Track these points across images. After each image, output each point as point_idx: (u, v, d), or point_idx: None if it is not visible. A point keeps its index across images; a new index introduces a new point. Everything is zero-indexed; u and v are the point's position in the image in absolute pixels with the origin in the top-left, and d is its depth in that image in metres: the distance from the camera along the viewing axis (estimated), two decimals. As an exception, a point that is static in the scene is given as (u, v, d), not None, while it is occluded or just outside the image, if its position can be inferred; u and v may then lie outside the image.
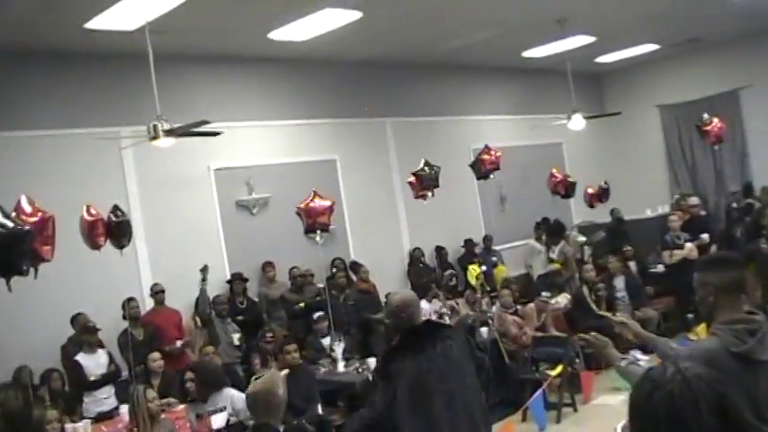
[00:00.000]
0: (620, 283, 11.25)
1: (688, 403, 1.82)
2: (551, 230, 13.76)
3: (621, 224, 14.28)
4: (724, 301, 3.39)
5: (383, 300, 11.43)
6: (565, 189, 13.38)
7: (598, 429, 7.68)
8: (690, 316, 9.38)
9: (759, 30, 14.97)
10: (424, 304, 10.40)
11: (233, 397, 6.72)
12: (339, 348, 8.90)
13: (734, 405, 1.86)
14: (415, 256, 12.99)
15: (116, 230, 7.95)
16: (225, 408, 6.64)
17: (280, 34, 10.28)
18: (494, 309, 10.46)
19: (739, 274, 3.45)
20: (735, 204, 13.44)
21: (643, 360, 5.00)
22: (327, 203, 9.56)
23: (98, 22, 8.60)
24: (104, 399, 8.32)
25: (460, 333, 4.84)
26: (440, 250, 13.45)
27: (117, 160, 9.88)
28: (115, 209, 8.06)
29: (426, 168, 11.10)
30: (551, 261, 13.08)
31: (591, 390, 9.05)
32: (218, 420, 6.60)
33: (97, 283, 9.30)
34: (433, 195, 11.19)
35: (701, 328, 6.94)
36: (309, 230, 9.62)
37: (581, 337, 4.13)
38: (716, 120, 13.80)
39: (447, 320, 10.07)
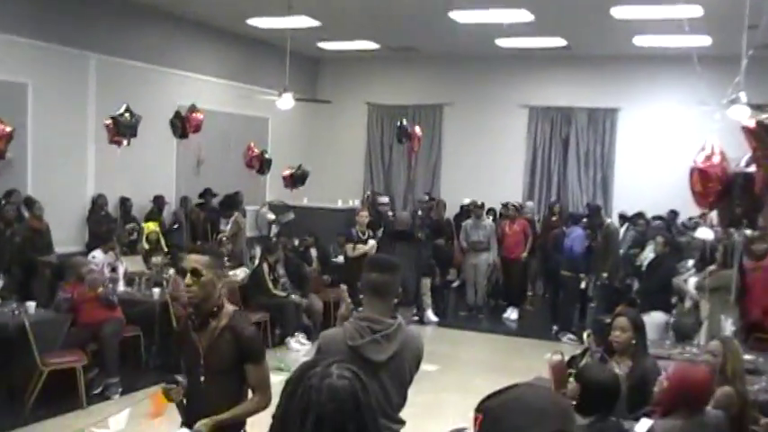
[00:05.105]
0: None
1: (299, 410, 1.94)
2: (224, 203, 13.79)
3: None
4: (367, 299, 3.59)
5: (54, 241, 10.78)
6: (260, 164, 13.41)
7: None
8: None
9: (470, 53, 15.79)
10: (98, 254, 9.87)
11: None
12: (-4, 286, 8.18)
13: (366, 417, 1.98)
14: (98, 204, 12.25)
15: None
16: None
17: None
18: (171, 272, 10.14)
19: (384, 278, 3.58)
20: (420, 212, 14.07)
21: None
22: (8, 129, 8.88)
23: None
24: None
25: None
26: (124, 201, 12.77)
27: None
28: None
29: (127, 114, 10.62)
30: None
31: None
32: None
33: None
34: (128, 144, 10.71)
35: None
36: (-18, 155, 8.85)
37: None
38: (417, 128, 14.42)
39: (118, 275, 9.66)
